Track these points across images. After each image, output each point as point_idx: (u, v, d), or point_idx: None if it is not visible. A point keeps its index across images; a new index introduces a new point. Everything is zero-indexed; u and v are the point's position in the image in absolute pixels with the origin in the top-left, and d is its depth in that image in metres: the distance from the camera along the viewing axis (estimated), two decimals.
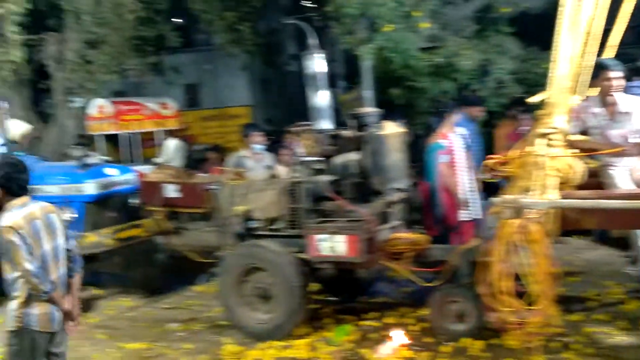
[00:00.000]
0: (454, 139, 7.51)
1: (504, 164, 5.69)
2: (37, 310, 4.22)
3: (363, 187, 6.52)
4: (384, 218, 6.54)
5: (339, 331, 6.39)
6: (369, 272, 7.35)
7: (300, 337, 6.35)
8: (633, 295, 6.69)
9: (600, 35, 5.64)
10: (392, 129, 6.66)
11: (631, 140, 5.97)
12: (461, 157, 7.51)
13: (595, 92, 6.07)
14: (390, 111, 7.72)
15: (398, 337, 5.97)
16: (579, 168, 5.56)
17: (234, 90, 20.05)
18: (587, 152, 5.87)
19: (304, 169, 6.77)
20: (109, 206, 7.91)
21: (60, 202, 7.56)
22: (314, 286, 7.04)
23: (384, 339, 6.13)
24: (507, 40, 10.13)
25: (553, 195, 5.39)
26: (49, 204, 4.43)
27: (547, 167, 5.42)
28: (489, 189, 6.83)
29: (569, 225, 5.46)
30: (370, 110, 6.99)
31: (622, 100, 6.07)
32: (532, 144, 5.55)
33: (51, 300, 4.24)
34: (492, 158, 5.87)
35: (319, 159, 6.77)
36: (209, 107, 20.55)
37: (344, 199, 6.38)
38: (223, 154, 12.90)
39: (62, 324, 4.37)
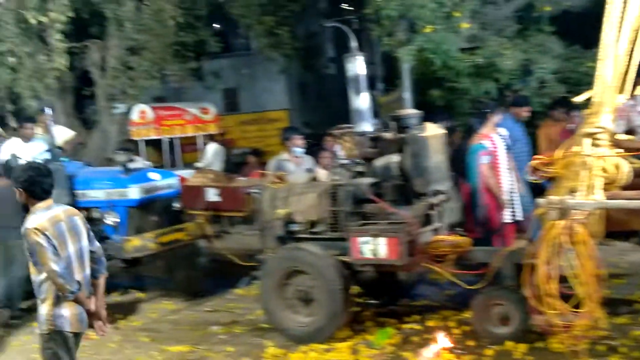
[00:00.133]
0: (495, 140, 7.43)
1: (548, 164, 5.61)
2: (68, 311, 4.29)
3: (404, 190, 6.48)
4: (425, 220, 6.50)
5: (380, 334, 6.37)
6: (410, 274, 7.31)
7: (341, 340, 6.34)
8: None
9: None
10: (433, 131, 6.61)
11: None
12: (503, 158, 7.44)
13: None
14: (429, 113, 7.66)
15: (441, 341, 5.92)
16: (625, 168, 5.45)
17: (273, 94, 20.15)
18: (633, 151, 5.75)
19: (344, 171, 6.76)
20: (152, 210, 7.98)
21: (105, 206, 7.72)
22: (355, 289, 7.01)
23: (426, 342, 6.09)
24: (548, 40, 9.99)
25: (599, 196, 5.30)
26: (72, 208, 4.53)
27: (593, 167, 5.33)
28: (535, 190, 6.74)
29: (615, 226, 5.37)
30: (411, 112, 6.94)
31: None
32: (577, 143, 5.46)
33: (77, 301, 4.30)
34: (537, 159, 5.79)
35: (360, 161, 6.76)
36: (247, 111, 20.68)
37: (385, 202, 6.35)
38: (262, 157, 12.99)
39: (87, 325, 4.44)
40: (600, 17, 5.52)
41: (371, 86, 10.45)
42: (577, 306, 5.23)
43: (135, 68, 12.35)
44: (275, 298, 6.58)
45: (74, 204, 7.77)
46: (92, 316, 4.41)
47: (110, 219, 7.67)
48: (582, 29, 8.94)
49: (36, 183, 4.30)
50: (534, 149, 8.05)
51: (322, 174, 7.90)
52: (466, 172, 7.47)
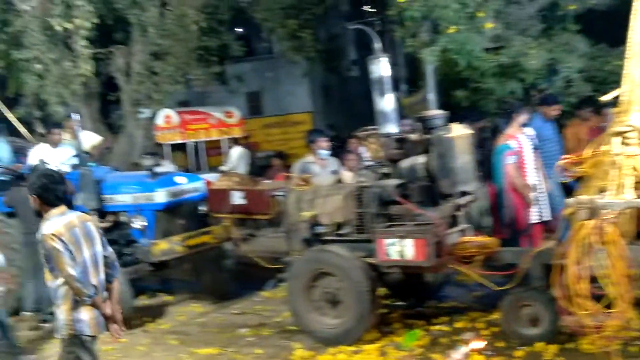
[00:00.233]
0: (521, 140, 7.39)
1: (577, 164, 5.56)
2: (86, 315, 4.35)
3: (430, 191, 6.45)
4: (452, 221, 6.47)
5: (408, 336, 6.34)
6: (436, 276, 7.28)
7: (369, 342, 6.33)
8: None
9: None
10: (460, 131, 6.58)
11: None
12: (529, 158, 7.39)
13: None
14: (456, 114, 7.64)
15: (473, 342, 5.88)
16: None
17: (296, 97, 20.20)
18: None
19: (370, 173, 6.75)
20: (179, 214, 8.03)
21: (132, 210, 7.79)
22: (382, 291, 7.00)
23: (454, 343, 6.06)
24: (574, 38, 9.89)
25: (629, 195, 5.24)
26: (84, 214, 4.59)
27: (623, 166, 5.27)
28: (565, 190, 6.69)
29: None
30: (436, 112, 6.92)
31: None
32: (606, 142, 5.41)
33: (94, 305, 4.36)
34: (565, 158, 5.74)
35: (385, 163, 6.75)
36: (271, 114, 20.74)
37: (411, 203, 6.33)
38: (286, 160, 13.01)
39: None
40: (626, 15, 5.47)
41: (394, 88, 10.44)
42: (608, 306, 5.17)
43: (160, 73, 12.44)
44: (302, 300, 6.59)
45: (102, 208, 7.88)
46: (107, 320, 4.48)
47: (138, 223, 7.73)
48: (608, 27, 8.84)
49: (49, 190, 4.36)
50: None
51: (347, 176, 7.90)
52: (492, 172, 7.43)
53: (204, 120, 14.47)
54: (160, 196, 7.82)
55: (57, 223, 4.31)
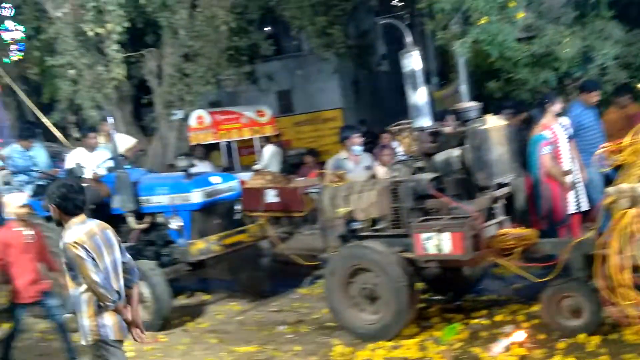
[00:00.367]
0: (556, 130, 7.30)
1: (616, 152, 5.47)
2: (110, 320, 4.43)
3: (466, 184, 6.40)
4: (489, 214, 6.41)
5: (448, 330, 6.30)
6: (475, 269, 7.22)
7: (409, 337, 6.31)
8: None
9: None
10: (495, 122, 6.51)
11: None
12: (564, 148, 7.30)
13: None
14: (486, 105, 7.55)
15: (515, 335, 5.82)
16: None
17: (326, 93, 20.17)
18: None
19: (404, 167, 6.72)
20: (215, 213, 8.07)
21: (169, 211, 7.86)
22: (420, 285, 6.97)
23: (494, 337, 6.01)
24: (608, 25, 9.69)
25: None
26: (103, 222, 4.64)
27: None
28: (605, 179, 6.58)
29: None
30: (470, 104, 6.86)
31: None
32: None
33: (116, 310, 4.45)
34: (604, 147, 5.65)
35: (420, 156, 6.71)
36: (301, 112, 20.75)
37: (447, 196, 6.28)
38: (318, 157, 13.01)
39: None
40: None
41: (426, 81, 10.36)
42: None
43: (191, 74, 12.52)
44: (340, 296, 6.58)
45: (139, 210, 7.96)
46: (129, 324, 4.56)
47: (175, 224, 7.79)
48: None
49: (69, 199, 4.43)
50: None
51: (381, 171, 7.88)
52: (528, 163, 7.35)
53: (236, 120, 14.51)
54: (196, 196, 7.86)
55: (78, 231, 4.39)
